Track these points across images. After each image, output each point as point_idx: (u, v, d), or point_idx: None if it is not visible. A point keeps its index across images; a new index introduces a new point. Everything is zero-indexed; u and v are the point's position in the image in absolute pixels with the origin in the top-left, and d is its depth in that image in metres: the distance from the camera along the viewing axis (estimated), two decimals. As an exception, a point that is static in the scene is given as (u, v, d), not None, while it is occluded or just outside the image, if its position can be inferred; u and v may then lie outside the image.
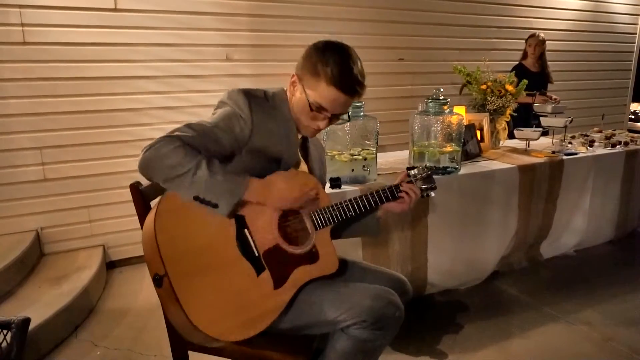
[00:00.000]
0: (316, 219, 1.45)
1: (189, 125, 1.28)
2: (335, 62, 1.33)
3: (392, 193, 1.55)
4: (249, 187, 1.26)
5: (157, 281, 1.19)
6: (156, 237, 1.18)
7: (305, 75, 1.37)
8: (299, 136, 1.52)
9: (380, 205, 1.56)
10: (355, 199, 1.51)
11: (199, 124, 1.29)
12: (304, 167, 1.56)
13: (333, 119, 1.43)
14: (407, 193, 1.55)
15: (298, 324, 1.38)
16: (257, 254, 1.32)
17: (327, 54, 1.35)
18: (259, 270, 1.31)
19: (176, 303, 1.16)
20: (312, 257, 1.43)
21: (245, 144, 1.35)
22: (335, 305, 1.34)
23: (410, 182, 1.59)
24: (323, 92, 1.35)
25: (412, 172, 1.60)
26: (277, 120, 1.40)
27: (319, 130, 1.45)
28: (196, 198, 1.21)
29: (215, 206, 1.22)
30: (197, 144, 1.24)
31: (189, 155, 1.19)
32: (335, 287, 1.42)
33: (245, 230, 1.32)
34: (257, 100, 1.38)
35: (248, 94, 1.37)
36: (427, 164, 2.50)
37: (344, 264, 1.63)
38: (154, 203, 1.40)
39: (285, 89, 1.47)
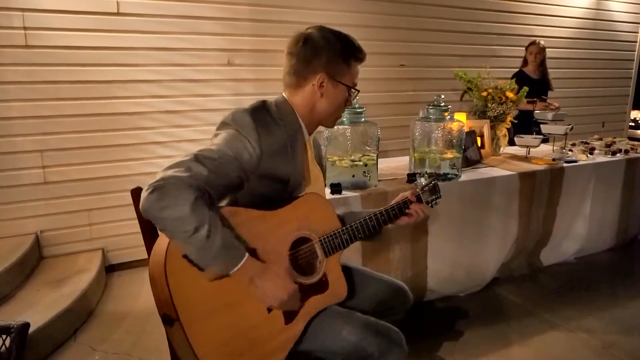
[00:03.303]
0: (326, 246, 1.41)
1: (197, 159, 1.19)
2: (348, 37, 1.41)
3: (400, 211, 1.56)
4: (241, 267, 1.18)
5: (167, 321, 1.17)
6: (168, 282, 1.14)
7: (334, 67, 1.38)
8: (309, 139, 1.49)
9: (389, 224, 1.55)
10: (365, 220, 1.48)
11: (208, 157, 1.20)
12: (317, 172, 1.54)
13: None
14: (416, 212, 1.56)
15: (304, 349, 1.38)
16: (266, 307, 1.28)
17: (334, 37, 1.39)
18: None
19: (187, 346, 1.14)
20: (322, 286, 1.40)
21: (254, 171, 1.29)
22: (341, 338, 1.34)
23: (418, 199, 1.59)
24: (353, 71, 1.42)
25: (418, 182, 1.62)
26: (283, 135, 1.35)
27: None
28: (185, 256, 1.15)
29: (201, 269, 1.16)
30: (205, 182, 1.17)
31: (193, 213, 1.10)
32: (342, 316, 1.40)
33: None
34: (264, 121, 1.32)
35: (254, 115, 1.31)
36: (428, 171, 2.51)
37: (347, 272, 1.62)
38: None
39: (284, 96, 1.43)
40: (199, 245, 1.12)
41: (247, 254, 1.19)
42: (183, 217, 1.10)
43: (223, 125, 1.33)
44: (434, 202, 1.64)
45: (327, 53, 1.36)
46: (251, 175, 1.29)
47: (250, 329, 1.24)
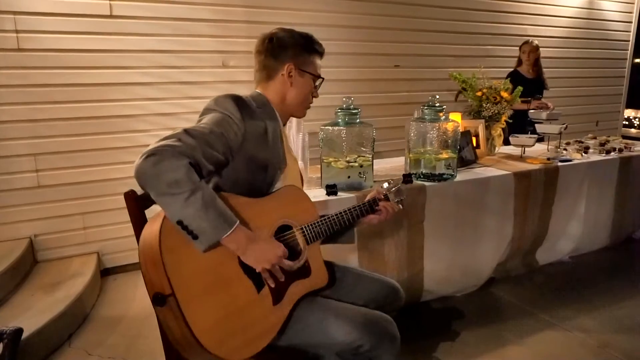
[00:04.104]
0: (308, 234, 1.48)
1: (187, 132, 1.24)
2: (308, 35, 1.54)
3: (371, 207, 1.65)
4: (233, 233, 1.21)
5: (159, 300, 1.16)
6: (162, 258, 1.14)
7: (301, 58, 1.50)
8: (284, 130, 1.56)
9: (361, 218, 1.63)
10: (340, 213, 1.57)
11: (197, 130, 1.26)
12: (292, 161, 1.59)
13: None
14: (385, 208, 1.66)
15: (295, 342, 1.39)
16: (258, 271, 1.31)
17: (297, 33, 1.52)
18: (259, 287, 1.32)
19: (183, 324, 1.14)
20: (305, 271, 1.46)
21: (237, 150, 1.35)
22: (331, 330, 1.35)
23: (386, 199, 1.69)
24: (317, 63, 1.56)
25: (385, 185, 1.72)
26: (263, 123, 1.43)
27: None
28: (179, 222, 1.15)
29: (194, 237, 1.17)
30: (197, 153, 1.21)
31: (189, 177, 1.15)
32: (332, 309, 1.42)
33: None
34: (245, 105, 1.40)
35: (236, 99, 1.39)
36: (424, 171, 2.51)
37: (337, 271, 1.65)
38: (149, 212, 1.38)
39: (258, 92, 1.53)
40: (196, 208, 1.14)
41: (237, 221, 1.23)
42: (179, 181, 1.13)
43: (206, 110, 1.40)
44: (399, 204, 1.74)
45: (292, 46, 1.49)
46: (235, 154, 1.35)
47: (242, 310, 1.27)
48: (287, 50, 1.48)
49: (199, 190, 1.15)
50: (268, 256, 1.29)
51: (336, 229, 1.55)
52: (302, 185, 1.72)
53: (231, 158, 1.35)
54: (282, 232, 1.43)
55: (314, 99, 1.60)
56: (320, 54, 1.56)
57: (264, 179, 1.44)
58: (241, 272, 1.29)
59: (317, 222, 1.51)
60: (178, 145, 1.18)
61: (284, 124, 1.58)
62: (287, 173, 1.53)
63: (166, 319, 1.21)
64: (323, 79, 1.58)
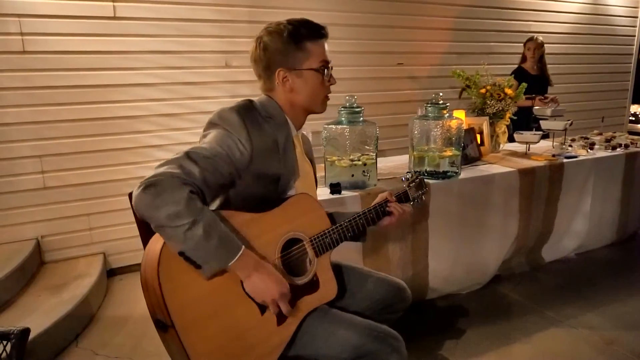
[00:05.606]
0: (317, 246, 1.42)
1: (189, 156, 1.19)
2: (296, 23, 1.39)
3: (383, 210, 1.58)
4: (239, 260, 1.18)
5: (161, 327, 1.16)
6: (161, 288, 1.12)
7: (290, 59, 1.37)
8: (297, 135, 1.50)
9: (376, 222, 1.58)
10: (353, 219, 1.51)
11: (200, 154, 1.21)
12: (307, 168, 1.54)
13: None
14: (396, 209, 1.59)
15: (303, 353, 1.38)
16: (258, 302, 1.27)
17: (278, 29, 1.38)
18: (262, 309, 1.28)
19: (182, 350, 1.14)
20: (313, 286, 1.40)
21: (245, 168, 1.29)
22: (339, 342, 1.34)
23: (406, 196, 1.66)
24: (315, 51, 1.39)
25: (408, 176, 1.69)
26: (273, 132, 1.37)
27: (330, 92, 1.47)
28: (181, 253, 1.13)
29: (198, 267, 1.14)
30: (199, 180, 1.18)
31: (189, 208, 1.10)
32: (340, 320, 1.39)
33: None
34: (251, 117, 1.32)
35: (242, 112, 1.31)
36: (427, 169, 2.51)
37: (344, 272, 1.63)
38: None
39: (268, 96, 1.44)
40: (196, 240, 1.11)
41: (243, 247, 1.19)
42: (178, 213, 1.10)
43: (211, 125, 1.33)
44: (420, 197, 1.70)
45: (276, 48, 1.36)
46: (243, 173, 1.30)
47: (244, 332, 1.24)
48: (272, 53, 1.37)
49: (200, 221, 1.11)
50: (271, 292, 1.23)
51: (349, 237, 1.49)
52: (316, 188, 1.66)
53: (238, 177, 1.30)
54: (291, 246, 1.38)
55: (332, 86, 1.46)
56: (317, 37, 1.40)
57: (275, 190, 1.39)
58: (244, 294, 1.25)
59: (327, 232, 1.44)
60: (178, 172, 1.14)
61: (302, 125, 1.50)
62: (300, 181, 1.47)
63: (167, 341, 1.21)
64: (329, 66, 1.42)
